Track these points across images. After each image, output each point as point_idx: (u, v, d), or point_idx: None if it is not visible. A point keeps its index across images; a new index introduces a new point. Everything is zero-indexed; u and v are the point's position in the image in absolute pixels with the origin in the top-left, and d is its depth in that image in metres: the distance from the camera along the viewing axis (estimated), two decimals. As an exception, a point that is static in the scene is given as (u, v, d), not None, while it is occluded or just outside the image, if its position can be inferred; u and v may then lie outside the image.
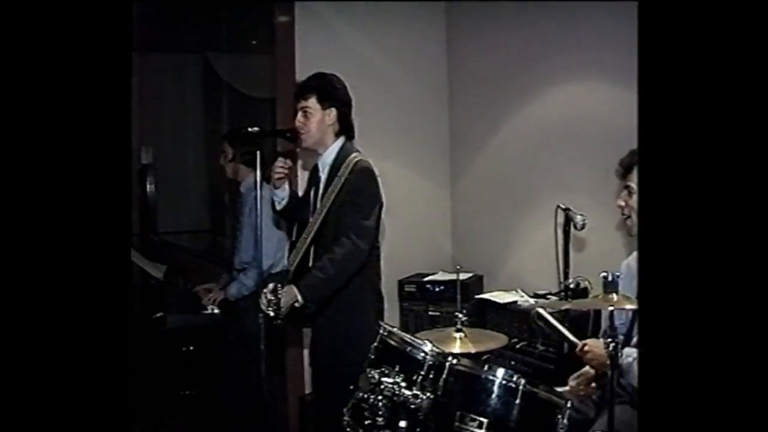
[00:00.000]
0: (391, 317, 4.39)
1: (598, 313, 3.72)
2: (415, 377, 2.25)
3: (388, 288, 4.29)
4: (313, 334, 3.23)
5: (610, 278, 2.09)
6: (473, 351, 2.84)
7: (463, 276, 4.49)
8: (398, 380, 2.26)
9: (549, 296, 3.92)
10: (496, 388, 2.12)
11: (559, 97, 4.19)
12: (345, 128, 3.14)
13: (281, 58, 4.37)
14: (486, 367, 2.19)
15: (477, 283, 4.58)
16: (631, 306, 2.10)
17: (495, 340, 3.00)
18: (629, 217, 2.83)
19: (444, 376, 2.20)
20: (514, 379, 2.12)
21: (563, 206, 3.37)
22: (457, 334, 2.95)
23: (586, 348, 2.77)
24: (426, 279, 4.53)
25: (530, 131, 4.40)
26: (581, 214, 3.26)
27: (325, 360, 3.18)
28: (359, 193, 2.99)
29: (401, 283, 4.53)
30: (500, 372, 2.15)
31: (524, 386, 2.10)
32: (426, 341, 2.43)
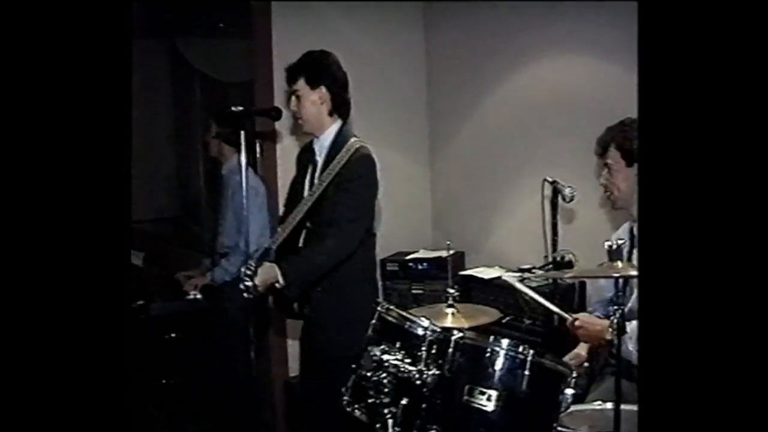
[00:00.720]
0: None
1: (583, 285, 3.76)
2: (418, 353, 2.23)
3: (371, 268, 4.31)
4: (307, 324, 3.19)
5: (614, 246, 2.08)
6: (466, 326, 2.84)
7: (444, 253, 4.50)
8: (401, 357, 2.24)
9: (534, 270, 3.92)
10: (504, 360, 2.11)
11: (540, 71, 4.17)
12: (339, 107, 3.09)
13: (258, 41, 4.31)
14: (492, 339, 2.19)
15: (459, 260, 4.57)
16: (635, 273, 2.10)
17: (487, 315, 3.01)
18: (612, 193, 2.84)
19: (450, 349, 2.18)
20: (522, 350, 2.11)
21: (550, 179, 3.36)
22: (449, 310, 2.95)
23: (577, 323, 2.78)
24: (408, 257, 4.52)
25: (511, 106, 4.39)
26: (570, 187, 3.26)
27: (319, 350, 3.15)
28: (358, 180, 2.97)
29: (383, 262, 4.48)
30: (507, 343, 2.15)
31: (533, 357, 2.09)
32: (423, 317, 2.41)
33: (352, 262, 3.00)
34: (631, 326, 2.52)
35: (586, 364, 2.89)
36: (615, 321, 1.99)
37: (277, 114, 3.01)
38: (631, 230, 2.91)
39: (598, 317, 2.98)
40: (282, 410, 4.48)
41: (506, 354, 2.12)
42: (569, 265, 3.56)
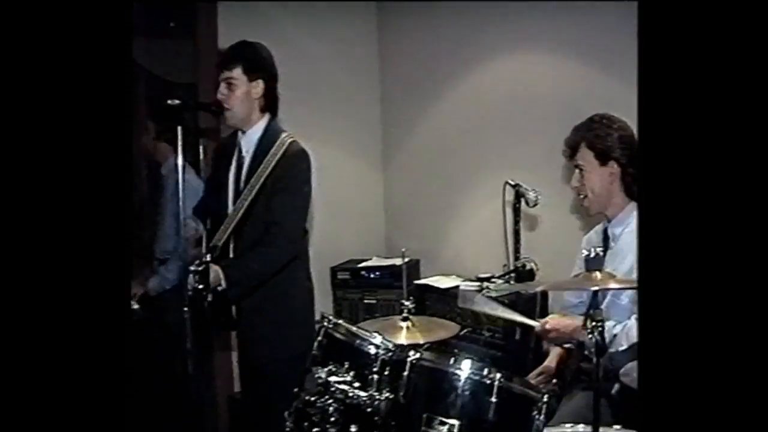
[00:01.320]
0: (324, 307, 4.13)
1: (545, 294, 3.56)
2: (369, 375, 1.99)
3: (320, 276, 4.10)
4: (242, 328, 2.94)
5: (592, 255, 1.86)
6: (422, 341, 2.62)
7: (398, 261, 4.28)
8: (349, 378, 1.99)
9: (493, 279, 3.70)
10: (467, 385, 1.86)
11: (499, 70, 3.98)
12: (271, 103, 2.88)
13: (203, 42, 4.10)
14: (452, 360, 1.93)
15: (413, 268, 4.34)
16: (615, 285, 1.87)
17: (445, 329, 2.79)
18: (586, 196, 2.65)
19: (405, 372, 1.93)
20: (487, 373, 1.87)
21: (512, 182, 3.15)
22: (404, 324, 2.73)
23: (548, 326, 2.58)
24: (360, 265, 4.29)
25: (468, 108, 4.18)
26: (534, 190, 3.06)
27: (256, 356, 2.93)
28: (294, 178, 2.77)
29: (334, 271, 4.27)
30: (471, 365, 1.90)
31: (500, 381, 1.85)
32: (375, 333, 2.18)
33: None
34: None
35: (554, 381, 2.69)
36: (594, 339, 1.75)
37: (218, 109, 2.76)
38: (604, 232, 2.71)
39: None
40: (226, 427, 4.21)
41: (470, 378, 1.87)
42: (531, 273, 3.37)
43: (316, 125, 4.30)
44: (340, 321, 2.27)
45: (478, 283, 3.73)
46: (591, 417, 2.27)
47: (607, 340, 2.41)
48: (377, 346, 2.07)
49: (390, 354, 2.03)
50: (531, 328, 2.77)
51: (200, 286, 2.51)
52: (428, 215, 4.52)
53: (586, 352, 2.51)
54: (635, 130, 2.63)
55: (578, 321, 2.53)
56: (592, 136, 2.59)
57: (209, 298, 2.55)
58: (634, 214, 2.62)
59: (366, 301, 4.17)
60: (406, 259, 4.25)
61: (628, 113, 2.68)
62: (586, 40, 3.47)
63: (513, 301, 3.39)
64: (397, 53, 4.64)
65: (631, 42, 3.24)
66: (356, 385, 1.97)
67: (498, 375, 1.85)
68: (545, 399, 1.89)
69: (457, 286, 3.83)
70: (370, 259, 4.43)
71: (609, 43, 3.34)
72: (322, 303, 4.10)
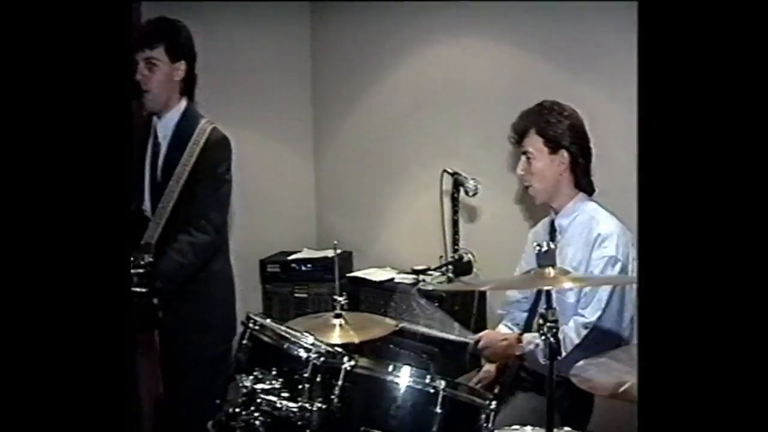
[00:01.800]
0: (253, 301, 4.01)
1: (483, 293, 3.43)
2: (299, 383, 1.80)
3: (249, 269, 3.90)
4: (160, 332, 2.75)
5: (544, 249, 1.68)
6: (356, 341, 2.46)
7: (330, 253, 4.10)
8: (277, 387, 1.80)
9: (429, 272, 3.56)
10: (409, 395, 1.69)
11: (435, 57, 3.80)
12: (190, 87, 2.68)
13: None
14: (391, 368, 1.75)
15: (346, 261, 4.16)
16: (570, 284, 1.71)
17: (380, 326, 2.62)
18: (532, 185, 2.52)
19: (340, 381, 1.74)
20: (431, 380, 1.70)
21: (450, 170, 3.01)
22: (336, 321, 2.56)
23: (481, 344, 2.48)
24: (290, 258, 4.09)
25: (401, 95, 4.01)
26: (473, 179, 2.92)
27: (175, 355, 2.76)
28: (218, 167, 2.59)
29: (263, 264, 4.06)
30: (412, 373, 1.73)
31: (445, 389, 1.68)
32: (307, 334, 2.00)
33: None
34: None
35: (496, 390, 2.57)
36: (547, 342, 1.60)
37: (137, 91, 2.52)
38: (551, 224, 2.58)
39: (507, 326, 2.69)
40: (150, 429, 3.96)
41: (411, 387, 1.70)
42: (468, 266, 3.25)
43: (244, 112, 4.10)
44: (267, 321, 2.09)
45: (413, 276, 3.61)
46: (534, 419, 2.17)
47: (527, 351, 2.36)
48: (308, 350, 1.89)
49: (322, 359, 1.85)
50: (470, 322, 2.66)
51: (144, 290, 2.30)
52: (361, 205, 4.35)
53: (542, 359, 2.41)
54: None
55: (513, 335, 2.46)
56: (542, 122, 2.47)
57: (155, 301, 2.34)
58: (583, 206, 2.51)
59: (297, 295, 3.98)
60: (338, 251, 4.11)
61: (570, 101, 2.58)
62: (527, 26, 3.33)
63: (450, 295, 3.28)
64: (329, 39, 4.43)
65: (573, 28, 3.11)
66: (285, 394, 1.78)
67: (442, 383, 1.68)
68: (492, 406, 1.74)
69: (392, 279, 3.69)
70: (301, 251, 4.24)
71: (550, 30, 3.21)
72: (252, 297, 3.98)
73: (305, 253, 4.18)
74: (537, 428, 1.94)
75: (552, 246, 1.67)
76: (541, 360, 2.28)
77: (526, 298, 2.67)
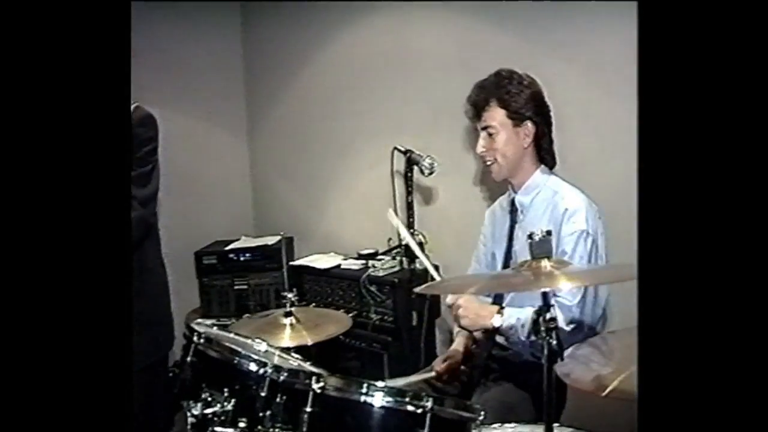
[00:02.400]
0: (189, 296, 3.76)
1: (438, 270, 3.24)
2: (256, 404, 1.57)
3: (183, 262, 3.66)
4: None
5: (537, 238, 1.47)
6: (309, 341, 2.26)
7: (270, 240, 3.87)
8: (230, 410, 1.57)
9: (379, 256, 3.36)
10: (391, 418, 1.46)
11: (374, 28, 3.55)
12: None
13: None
14: (365, 387, 1.50)
15: (287, 247, 3.91)
16: (572, 283, 1.47)
17: (335, 323, 2.42)
18: (494, 162, 2.33)
19: (308, 407, 1.48)
20: (413, 399, 1.47)
21: (402, 148, 2.80)
22: (287, 320, 2.35)
23: (462, 304, 2.25)
24: (228, 248, 3.82)
25: (340, 69, 3.76)
26: (429, 157, 2.71)
27: None
28: (144, 145, 2.37)
29: (198, 256, 3.77)
30: (393, 393, 1.50)
31: (431, 408, 1.46)
32: (259, 340, 1.77)
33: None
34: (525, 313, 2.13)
35: (462, 368, 2.39)
36: (546, 344, 1.39)
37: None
38: (511, 203, 2.40)
39: None
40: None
41: (394, 410, 1.47)
42: (420, 248, 3.06)
43: (173, 93, 3.85)
44: (213, 330, 1.86)
45: (362, 261, 3.40)
46: (510, 414, 2.05)
47: (505, 326, 2.19)
48: (262, 363, 1.66)
49: (282, 377, 1.61)
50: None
51: None
52: (300, 188, 4.12)
53: (537, 356, 2.23)
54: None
55: (494, 308, 2.26)
56: (503, 93, 2.29)
57: None
58: (544, 181, 2.35)
59: (236, 287, 3.71)
60: (277, 238, 3.86)
61: (526, 70, 2.41)
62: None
63: (400, 279, 3.10)
64: (261, 16, 4.16)
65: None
66: (242, 424, 1.54)
67: (430, 402, 1.45)
68: (481, 417, 1.54)
69: (338, 266, 3.47)
70: (238, 239, 3.99)
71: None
72: (188, 292, 3.75)
73: (243, 242, 3.93)
74: (534, 426, 1.80)
75: (546, 233, 1.46)
76: (522, 337, 2.16)
77: None
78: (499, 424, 1.81)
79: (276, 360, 1.89)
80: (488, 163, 2.34)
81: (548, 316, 1.35)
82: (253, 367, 1.67)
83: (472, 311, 2.24)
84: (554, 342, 1.40)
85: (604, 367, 1.55)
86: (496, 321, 2.21)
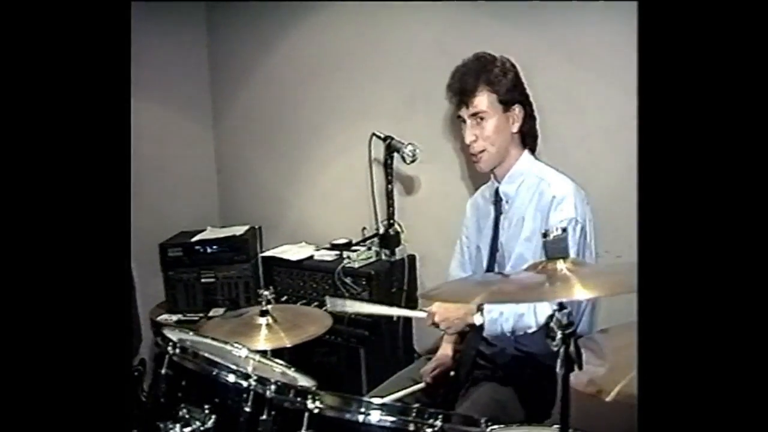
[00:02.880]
0: (155, 291, 3.65)
1: (413, 262, 3.15)
2: (240, 421, 1.44)
3: (148, 255, 3.50)
4: None
5: (552, 236, 1.34)
6: (288, 343, 2.15)
7: (238, 231, 3.72)
8: (210, 427, 1.44)
9: (354, 247, 3.24)
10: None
11: (344, 11, 3.38)
12: None
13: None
14: (364, 406, 1.37)
15: (255, 238, 3.79)
16: (590, 292, 1.33)
17: (314, 323, 2.29)
18: (484, 151, 2.22)
19: (303, 428, 1.35)
20: (418, 416, 1.34)
21: (381, 134, 2.67)
22: (262, 320, 2.22)
23: (437, 318, 2.13)
24: (194, 240, 3.65)
25: (308, 54, 3.59)
26: (411, 144, 2.59)
27: None
28: None
29: (163, 248, 3.60)
30: (394, 409, 1.38)
31: (440, 427, 1.33)
32: (238, 345, 1.64)
33: None
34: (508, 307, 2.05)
35: (452, 374, 2.29)
36: (562, 350, 1.27)
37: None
38: (495, 193, 2.30)
39: None
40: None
41: (399, 429, 1.35)
42: (397, 238, 2.96)
43: (136, 80, 3.56)
44: (189, 337, 1.71)
45: (335, 252, 3.28)
46: (500, 411, 2.02)
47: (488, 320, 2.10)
48: (245, 375, 1.53)
49: (269, 389, 1.48)
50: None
51: None
52: (268, 176, 3.95)
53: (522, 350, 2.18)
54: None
55: (469, 307, 2.14)
56: (491, 77, 2.19)
57: None
58: (528, 169, 2.26)
59: (204, 280, 3.55)
60: (245, 228, 3.72)
61: (504, 53, 2.31)
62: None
63: (377, 271, 2.99)
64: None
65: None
66: (227, 446, 1.42)
67: (439, 421, 1.33)
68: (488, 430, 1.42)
69: (311, 257, 3.34)
70: (204, 230, 3.82)
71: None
72: (153, 287, 3.63)
73: (209, 233, 3.77)
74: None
75: (562, 230, 1.34)
76: (507, 331, 2.08)
77: (474, 273, 2.41)
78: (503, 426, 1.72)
79: (257, 367, 1.77)
80: (478, 152, 2.23)
81: (564, 320, 1.24)
82: (234, 379, 1.54)
83: (450, 314, 2.13)
84: (574, 350, 1.28)
85: (599, 368, 1.46)
86: (477, 319, 2.12)
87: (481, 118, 2.18)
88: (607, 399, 1.35)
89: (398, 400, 2.08)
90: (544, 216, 2.13)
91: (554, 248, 1.34)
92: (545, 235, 1.35)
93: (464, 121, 2.23)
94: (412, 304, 3.12)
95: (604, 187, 2.44)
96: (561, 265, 1.32)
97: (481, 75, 2.18)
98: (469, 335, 2.27)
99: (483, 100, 2.18)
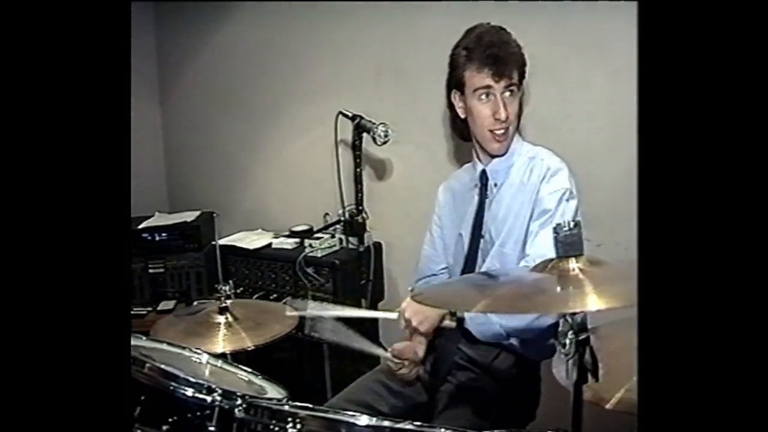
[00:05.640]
0: None
1: (380, 250, 2.95)
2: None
3: (91, 245, 3.19)
4: None
5: (565, 231, 1.17)
6: (251, 345, 1.93)
7: (188, 216, 3.48)
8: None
9: (316, 235, 3.02)
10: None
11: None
12: None
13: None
14: (354, 419, 1.18)
15: (207, 224, 3.53)
16: (603, 302, 1.13)
17: (279, 323, 2.07)
18: (508, 129, 2.05)
19: None
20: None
21: (349, 113, 2.45)
22: (221, 318, 2.01)
23: (414, 323, 1.96)
24: (141, 227, 3.40)
25: (264, 23, 3.36)
26: (383, 123, 2.38)
27: None
28: None
29: (108, 237, 3.32)
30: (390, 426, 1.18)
31: None
32: (199, 350, 1.43)
33: None
34: None
35: (422, 372, 2.10)
36: (574, 362, 1.09)
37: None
38: (482, 175, 2.12)
39: None
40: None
41: None
42: (361, 225, 2.75)
43: None
44: (140, 343, 1.48)
45: (295, 240, 3.07)
46: (484, 408, 1.91)
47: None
48: (209, 389, 1.31)
49: (237, 407, 1.26)
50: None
51: None
52: (220, 157, 3.73)
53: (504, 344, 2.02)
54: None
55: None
56: (519, 49, 2.03)
57: None
58: (519, 148, 2.09)
59: (152, 271, 3.31)
60: (196, 214, 3.49)
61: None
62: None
63: (342, 261, 2.80)
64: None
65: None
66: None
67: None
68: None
69: (269, 245, 3.13)
70: (152, 215, 3.58)
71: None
72: None
73: (157, 219, 3.52)
74: None
75: (574, 225, 1.15)
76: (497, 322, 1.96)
77: (446, 269, 2.25)
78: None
79: (219, 375, 1.56)
80: (503, 129, 2.04)
81: (579, 326, 1.06)
82: (195, 393, 1.32)
83: (426, 314, 1.98)
84: (590, 360, 1.10)
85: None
86: (449, 323, 2.00)
87: (511, 92, 2.00)
88: (607, 407, 1.21)
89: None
90: (535, 187, 1.99)
91: (566, 245, 1.16)
92: (556, 230, 1.17)
93: (487, 95, 2.02)
94: (377, 297, 2.94)
95: (583, 167, 2.31)
96: (573, 264, 1.14)
97: (514, 45, 2.01)
98: (448, 333, 2.09)
99: (515, 71, 2.00)
